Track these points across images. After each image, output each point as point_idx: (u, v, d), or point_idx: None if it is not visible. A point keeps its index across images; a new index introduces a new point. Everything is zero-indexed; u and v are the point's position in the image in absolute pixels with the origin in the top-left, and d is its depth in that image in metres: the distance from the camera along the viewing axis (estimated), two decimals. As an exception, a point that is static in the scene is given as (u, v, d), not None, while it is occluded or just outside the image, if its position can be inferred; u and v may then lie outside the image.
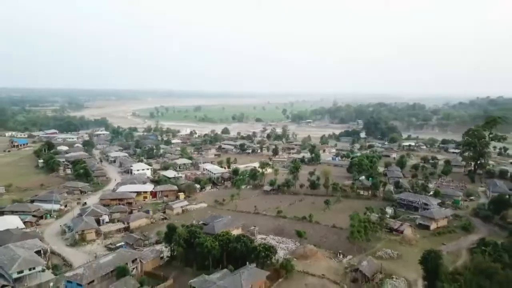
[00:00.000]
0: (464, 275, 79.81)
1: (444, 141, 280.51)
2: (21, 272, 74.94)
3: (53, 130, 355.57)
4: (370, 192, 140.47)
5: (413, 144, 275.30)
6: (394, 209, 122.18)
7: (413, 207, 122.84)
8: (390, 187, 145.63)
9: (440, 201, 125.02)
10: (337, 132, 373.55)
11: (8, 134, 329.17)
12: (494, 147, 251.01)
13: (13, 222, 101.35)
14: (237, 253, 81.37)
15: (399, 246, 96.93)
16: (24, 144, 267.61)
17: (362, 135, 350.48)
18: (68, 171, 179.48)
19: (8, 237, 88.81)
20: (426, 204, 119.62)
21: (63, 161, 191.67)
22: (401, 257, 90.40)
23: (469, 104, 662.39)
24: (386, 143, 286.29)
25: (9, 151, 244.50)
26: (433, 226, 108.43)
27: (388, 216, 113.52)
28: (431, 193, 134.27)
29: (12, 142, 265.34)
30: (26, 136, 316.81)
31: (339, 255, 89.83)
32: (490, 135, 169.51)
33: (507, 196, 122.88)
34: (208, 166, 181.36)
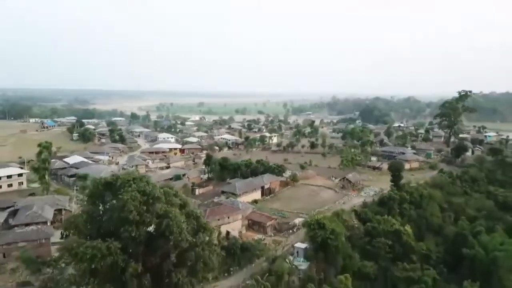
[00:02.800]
0: (422, 185, 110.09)
1: (430, 123, 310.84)
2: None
3: (72, 117, 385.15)
4: (360, 149, 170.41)
5: (402, 125, 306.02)
6: (377, 158, 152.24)
7: (393, 157, 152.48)
8: (377, 148, 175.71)
9: (415, 151, 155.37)
10: (335, 120, 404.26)
11: (32, 120, 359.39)
12: (474, 126, 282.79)
13: (81, 158, 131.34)
14: (257, 171, 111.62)
15: (378, 175, 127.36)
16: (52, 126, 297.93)
17: (358, 121, 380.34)
18: (103, 140, 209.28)
19: (85, 163, 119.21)
20: (403, 153, 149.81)
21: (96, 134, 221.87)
22: (378, 180, 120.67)
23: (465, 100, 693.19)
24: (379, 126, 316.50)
25: (41, 130, 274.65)
26: (407, 166, 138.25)
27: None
28: (409, 148, 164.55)
29: (42, 124, 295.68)
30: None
31: (332, 177, 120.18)
32: (463, 107, 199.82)
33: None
34: (223, 136, 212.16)
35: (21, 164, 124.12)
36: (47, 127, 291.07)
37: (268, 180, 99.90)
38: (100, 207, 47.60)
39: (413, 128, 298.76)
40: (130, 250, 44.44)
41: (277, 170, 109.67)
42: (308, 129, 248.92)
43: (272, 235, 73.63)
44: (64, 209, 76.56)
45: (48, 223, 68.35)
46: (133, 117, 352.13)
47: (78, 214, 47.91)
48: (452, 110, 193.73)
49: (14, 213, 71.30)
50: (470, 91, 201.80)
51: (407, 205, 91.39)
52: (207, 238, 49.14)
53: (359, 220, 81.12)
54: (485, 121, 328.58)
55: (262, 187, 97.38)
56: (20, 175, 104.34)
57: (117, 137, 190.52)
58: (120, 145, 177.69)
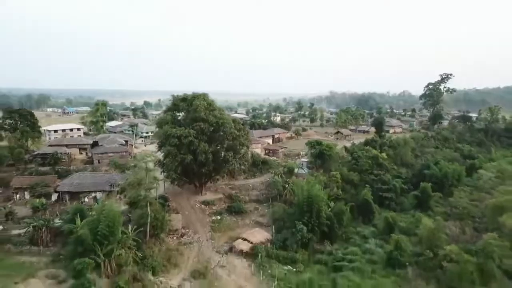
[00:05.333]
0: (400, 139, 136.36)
1: (420, 109, 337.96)
2: (147, 133, 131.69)
3: (86, 107, 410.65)
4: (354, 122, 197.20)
5: (395, 111, 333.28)
6: (366, 125, 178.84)
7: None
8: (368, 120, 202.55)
9: (399, 121, 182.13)
10: (333, 110, 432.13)
11: (49, 109, 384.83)
12: (459, 110, 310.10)
13: (120, 122, 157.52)
14: (267, 128, 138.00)
15: (366, 135, 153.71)
16: (72, 112, 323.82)
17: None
18: (125, 119, 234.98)
19: (125, 124, 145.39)
20: (388, 121, 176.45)
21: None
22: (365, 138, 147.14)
23: (456, 93, 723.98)
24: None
25: (64, 115, 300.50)
26: (391, 131, 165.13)
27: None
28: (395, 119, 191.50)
29: (64, 109, 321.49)
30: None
31: (329, 135, 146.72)
32: (444, 88, 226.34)
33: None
34: (232, 114, 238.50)
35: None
36: (68, 113, 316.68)
37: (277, 131, 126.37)
38: (177, 113, 74.20)
39: (403, 112, 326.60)
40: (199, 138, 70.64)
41: (285, 127, 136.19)
42: (308, 111, 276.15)
43: (283, 158, 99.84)
44: (129, 143, 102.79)
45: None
46: (146, 104, 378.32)
47: (166, 115, 73.96)
48: (435, 91, 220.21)
49: (95, 142, 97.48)
50: (451, 74, 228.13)
51: (386, 147, 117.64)
52: (245, 136, 75.55)
53: (348, 152, 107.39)
54: (473, 111, 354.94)
55: (273, 136, 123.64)
56: (78, 129, 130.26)
57: (140, 114, 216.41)
58: (145, 120, 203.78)
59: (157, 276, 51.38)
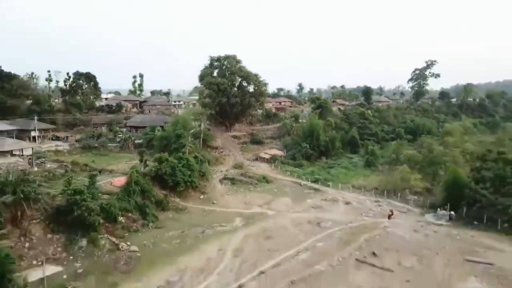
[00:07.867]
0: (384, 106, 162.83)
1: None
2: (174, 102, 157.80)
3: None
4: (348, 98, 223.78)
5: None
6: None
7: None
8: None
9: (387, 98, 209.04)
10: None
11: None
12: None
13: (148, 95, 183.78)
14: (275, 96, 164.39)
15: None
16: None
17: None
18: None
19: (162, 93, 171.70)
20: (377, 99, 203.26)
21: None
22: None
23: (450, 89, 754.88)
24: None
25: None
26: (379, 105, 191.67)
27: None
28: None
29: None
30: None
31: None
32: (429, 74, 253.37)
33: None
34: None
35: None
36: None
37: (283, 99, 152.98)
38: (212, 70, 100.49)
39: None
40: (231, 86, 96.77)
41: (289, 97, 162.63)
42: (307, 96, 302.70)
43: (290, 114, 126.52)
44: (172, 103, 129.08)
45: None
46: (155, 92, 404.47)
47: (206, 70, 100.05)
48: (420, 76, 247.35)
49: (144, 101, 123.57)
50: (435, 61, 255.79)
51: (372, 111, 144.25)
52: (264, 87, 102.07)
53: (341, 112, 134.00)
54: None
55: (279, 102, 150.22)
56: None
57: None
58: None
59: (211, 166, 77.75)
